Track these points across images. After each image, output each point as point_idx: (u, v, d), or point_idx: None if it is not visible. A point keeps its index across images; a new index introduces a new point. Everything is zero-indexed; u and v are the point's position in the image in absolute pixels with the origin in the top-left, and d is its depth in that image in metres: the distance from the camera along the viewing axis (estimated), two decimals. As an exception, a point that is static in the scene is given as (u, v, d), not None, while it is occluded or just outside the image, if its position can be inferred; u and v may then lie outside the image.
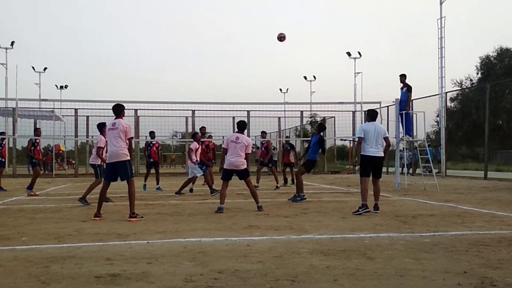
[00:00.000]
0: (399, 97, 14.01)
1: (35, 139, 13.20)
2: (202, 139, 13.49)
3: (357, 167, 13.33)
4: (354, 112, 27.32)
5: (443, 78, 21.54)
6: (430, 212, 8.18)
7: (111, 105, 8.10)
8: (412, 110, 15.00)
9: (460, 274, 3.97)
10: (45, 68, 38.59)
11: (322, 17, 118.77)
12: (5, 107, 26.21)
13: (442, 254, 4.77)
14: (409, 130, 14.00)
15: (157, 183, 14.18)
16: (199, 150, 12.80)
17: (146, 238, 5.72)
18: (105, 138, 9.44)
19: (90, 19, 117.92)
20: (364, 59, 70.60)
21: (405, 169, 21.41)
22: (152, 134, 15.52)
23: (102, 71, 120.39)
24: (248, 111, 25.85)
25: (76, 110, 26.04)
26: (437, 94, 22.04)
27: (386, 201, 10.12)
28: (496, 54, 45.98)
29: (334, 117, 28.95)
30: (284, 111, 29.71)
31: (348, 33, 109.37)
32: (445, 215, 7.85)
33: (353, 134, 25.98)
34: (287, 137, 26.83)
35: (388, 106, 23.45)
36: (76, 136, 26.15)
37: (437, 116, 28.87)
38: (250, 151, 9.03)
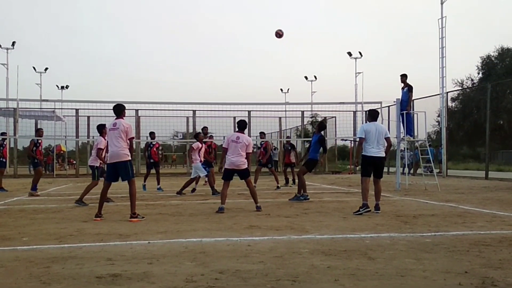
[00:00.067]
0: (400, 97, 14.00)
1: (37, 140, 13.21)
2: (204, 140, 13.47)
3: (358, 167, 13.32)
4: (355, 112, 27.34)
5: (444, 78, 21.54)
6: (431, 212, 8.18)
7: (112, 106, 8.10)
8: (413, 110, 15.00)
9: (461, 274, 3.97)
10: (46, 69, 38.67)
11: (323, 17, 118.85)
12: (6, 108, 26.24)
13: (443, 254, 4.77)
14: (410, 130, 13.99)
15: (158, 184, 14.18)
16: (203, 150, 12.78)
17: (147, 238, 5.72)
18: (105, 139, 9.47)
19: (91, 19, 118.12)
20: (365, 59, 70.72)
21: (406, 169, 21.42)
22: (152, 134, 15.53)
23: (103, 71, 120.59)
24: (249, 111, 25.87)
25: (77, 110, 26.07)
26: (438, 94, 22.03)
27: (387, 201, 10.12)
28: (497, 54, 45.94)
29: (335, 117, 28.99)
30: (285, 111, 29.77)
31: (349, 33, 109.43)
32: (446, 215, 7.84)
33: (354, 134, 25.99)
34: (288, 137, 26.87)
35: (389, 106, 23.42)
36: (77, 136, 26.18)
37: (438, 116, 28.88)
38: (251, 151, 9.03)
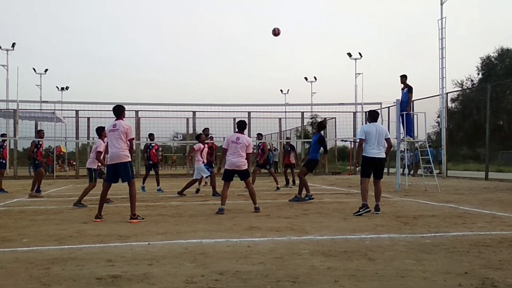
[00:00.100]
0: (399, 97, 14.01)
1: (38, 141, 13.21)
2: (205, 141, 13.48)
3: (358, 168, 13.29)
4: (355, 113, 27.34)
5: (444, 78, 21.55)
6: (431, 213, 8.18)
7: (112, 107, 8.10)
8: (413, 110, 15.02)
9: (461, 275, 3.97)
10: (46, 70, 38.68)
11: (323, 18, 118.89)
12: (6, 109, 26.26)
13: (443, 255, 4.77)
14: (410, 130, 14.00)
15: (158, 185, 14.19)
16: (205, 151, 12.78)
17: (147, 240, 5.73)
18: (104, 142, 9.49)
19: (91, 20, 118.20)
20: (365, 60, 70.73)
21: (406, 170, 21.42)
22: (151, 136, 15.52)
23: (103, 72, 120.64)
24: (249, 112, 25.87)
25: (77, 111, 26.07)
26: (438, 95, 22.04)
27: (387, 202, 10.12)
28: (497, 54, 45.95)
29: (335, 118, 28.99)
30: (285, 112, 29.78)
31: (349, 34, 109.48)
32: (446, 216, 7.84)
33: (354, 135, 26.01)
34: (287, 138, 26.87)
35: (389, 107, 23.44)
36: (77, 137, 26.18)
37: (438, 116, 28.90)
38: (251, 151, 9.03)
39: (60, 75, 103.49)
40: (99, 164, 10.19)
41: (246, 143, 8.80)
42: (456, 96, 43.49)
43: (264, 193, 12.88)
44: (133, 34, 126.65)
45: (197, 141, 13.04)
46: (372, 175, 8.43)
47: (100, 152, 9.90)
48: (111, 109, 8.04)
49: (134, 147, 15.66)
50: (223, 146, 9.21)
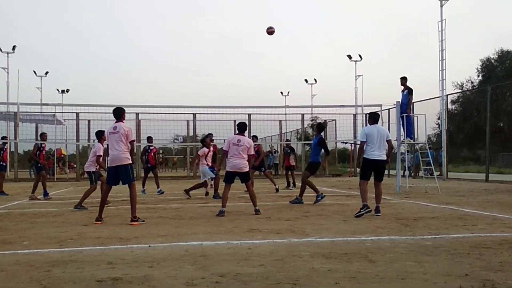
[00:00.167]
0: (400, 99, 14.01)
1: (41, 143, 13.22)
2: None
3: (358, 170, 13.33)
4: (355, 115, 27.39)
5: (444, 80, 21.55)
6: (431, 215, 8.18)
7: (112, 109, 8.12)
8: (413, 112, 15.02)
9: (461, 277, 3.97)
10: (47, 72, 38.65)
11: (323, 20, 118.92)
12: (7, 112, 26.28)
13: (444, 257, 4.77)
14: (410, 132, 13.99)
15: (158, 187, 14.21)
16: (210, 154, 12.82)
17: (148, 242, 5.73)
18: (103, 146, 9.50)
19: (91, 22, 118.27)
20: (365, 62, 70.76)
21: (407, 172, 21.42)
22: (149, 139, 15.53)
23: (103, 75, 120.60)
24: (249, 114, 25.89)
25: (77, 114, 26.11)
26: (438, 97, 22.04)
27: (388, 204, 10.12)
28: (497, 56, 45.96)
29: (335, 120, 29.01)
30: (285, 114, 29.80)
31: (349, 36, 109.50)
32: (446, 217, 7.84)
33: (355, 137, 26.05)
34: (287, 140, 26.89)
35: (389, 109, 23.50)
36: (77, 140, 26.20)
37: (438, 118, 28.91)
38: (252, 153, 9.04)
39: (60, 77, 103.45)
40: (97, 167, 10.23)
41: (247, 145, 8.81)
42: (456, 98, 43.53)
43: (265, 195, 12.88)
44: (133, 36, 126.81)
45: (201, 144, 13.07)
46: (372, 177, 8.43)
47: (100, 156, 9.92)
48: (111, 111, 8.05)
49: (135, 149, 15.68)
50: (223, 148, 9.20)
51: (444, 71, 21.45)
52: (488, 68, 45.91)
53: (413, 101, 14.82)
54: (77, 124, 26.15)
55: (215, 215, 8.38)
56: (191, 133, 27.44)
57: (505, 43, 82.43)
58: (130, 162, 7.71)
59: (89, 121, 26.85)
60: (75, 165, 30.62)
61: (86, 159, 10.91)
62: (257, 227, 6.89)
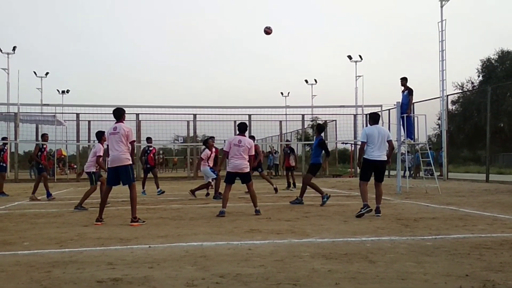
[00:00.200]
0: (400, 100, 14.01)
1: (42, 144, 13.22)
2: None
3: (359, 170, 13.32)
4: (355, 115, 27.40)
5: (444, 81, 21.55)
6: (431, 215, 8.18)
7: (112, 110, 8.12)
8: (413, 113, 15.01)
9: (462, 277, 3.97)
10: (47, 73, 38.68)
11: (323, 21, 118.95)
12: (7, 112, 26.30)
13: (444, 257, 4.77)
14: (410, 133, 13.99)
15: (157, 187, 14.23)
16: (212, 156, 12.84)
17: (148, 243, 5.73)
18: (103, 146, 9.50)
19: (92, 23, 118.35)
20: (365, 62, 70.75)
21: (407, 173, 21.42)
22: (149, 140, 15.54)
23: (103, 75, 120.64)
24: (250, 115, 25.91)
25: (77, 114, 26.14)
26: (439, 97, 22.05)
27: (388, 204, 10.12)
28: (497, 56, 45.99)
29: (336, 120, 29.02)
30: (286, 114, 29.82)
31: (349, 36, 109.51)
32: (446, 218, 7.84)
33: (355, 137, 26.05)
34: (287, 140, 26.89)
35: (389, 109, 23.51)
36: (77, 140, 26.23)
37: (439, 119, 28.89)
38: (253, 153, 9.03)
39: (61, 78, 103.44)
40: (97, 167, 10.24)
41: (248, 145, 8.80)
42: (456, 98, 43.56)
43: (265, 196, 12.88)
44: (133, 36, 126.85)
45: (201, 145, 13.08)
46: (373, 178, 8.43)
47: (100, 156, 9.92)
48: (112, 112, 8.05)
49: (135, 150, 15.68)
50: (224, 149, 9.19)
51: (444, 71, 21.47)
52: (488, 68, 45.93)
53: (413, 101, 14.82)
54: (77, 125, 26.18)
55: (216, 216, 8.38)
56: (191, 134, 27.45)
57: (505, 44, 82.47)
58: (131, 162, 7.71)
59: (89, 121, 26.89)
60: (75, 166, 30.65)
61: (86, 160, 10.91)
62: (258, 228, 6.89)
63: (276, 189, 14.27)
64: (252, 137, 16.80)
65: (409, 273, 4.15)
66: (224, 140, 24.43)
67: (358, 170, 11.77)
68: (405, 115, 13.76)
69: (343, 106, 27.14)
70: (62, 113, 26.97)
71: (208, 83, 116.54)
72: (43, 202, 11.87)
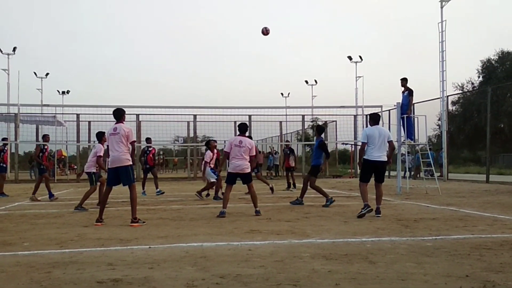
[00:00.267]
0: (400, 101, 14.02)
1: (44, 145, 13.22)
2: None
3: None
4: (355, 116, 27.40)
5: (445, 81, 21.55)
6: (432, 216, 8.17)
7: (112, 110, 8.12)
8: (413, 113, 15.02)
9: (462, 278, 3.97)
10: (47, 74, 38.71)
11: (324, 22, 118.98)
12: (7, 113, 26.30)
13: (444, 258, 4.77)
14: (410, 134, 14.00)
15: (156, 187, 14.24)
16: (214, 157, 12.85)
17: (148, 243, 5.73)
18: (104, 147, 9.50)
19: (92, 24, 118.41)
20: (365, 63, 70.79)
21: (407, 173, 21.42)
22: (148, 140, 15.57)
23: (103, 76, 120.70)
24: (250, 116, 25.90)
25: (78, 115, 26.15)
26: (439, 98, 22.05)
27: (388, 205, 10.11)
28: (497, 57, 46.00)
29: (336, 121, 29.03)
30: (286, 115, 29.83)
31: (349, 37, 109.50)
32: (447, 218, 7.84)
33: (355, 138, 26.05)
34: (286, 141, 26.88)
35: (389, 110, 23.51)
36: (78, 141, 26.24)
37: (439, 119, 28.90)
38: (254, 153, 9.02)
39: (61, 79, 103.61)
40: (97, 167, 10.24)
41: (249, 146, 8.80)
42: (456, 99, 43.58)
43: (265, 197, 12.88)
44: (133, 37, 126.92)
45: (205, 146, 13.12)
46: (373, 179, 8.42)
47: (100, 157, 9.93)
48: (112, 112, 8.06)
49: (135, 151, 15.71)
50: (225, 150, 9.18)
51: (444, 72, 21.47)
52: (488, 69, 45.94)
53: (413, 102, 14.83)
54: (78, 125, 26.19)
55: (216, 216, 8.38)
56: (191, 134, 27.45)
57: (505, 44, 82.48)
58: (131, 163, 7.71)
59: (89, 122, 26.90)
60: (75, 166, 30.65)
61: (87, 160, 10.91)
62: (258, 228, 6.89)
63: (272, 189, 14.21)
64: (249, 138, 16.80)
65: (409, 273, 4.15)
66: (225, 141, 24.52)
67: (359, 170, 11.76)
68: (405, 115, 13.77)
69: (343, 107, 27.14)
70: (62, 113, 26.99)
71: (208, 84, 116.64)
72: (43, 203, 11.87)
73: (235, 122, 25.57)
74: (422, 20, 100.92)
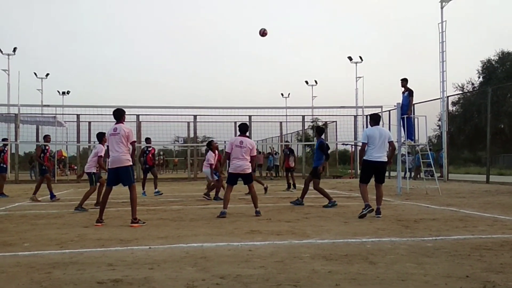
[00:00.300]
0: (400, 101, 14.02)
1: (45, 146, 13.22)
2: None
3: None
4: (355, 117, 27.39)
5: (445, 82, 21.55)
6: (432, 217, 8.17)
7: (112, 111, 8.12)
8: (413, 114, 15.02)
9: (462, 279, 3.97)
10: (47, 74, 38.69)
11: (324, 22, 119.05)
12: (8, 113, 26.28)
13: (444, 259, 4.76)
14: (410, 134, 14.00)
15: (155, 187, 14.24)
16: (216, 158, 12.86)
17: (148, 244, 5.73)
18: (104, 147, 9.51)
19: (92, 24, 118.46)
20: (365, 63, 70.87)
21: (408, 173, 21.42)
22: (148, 140, 15.58)
23: (104, 76, 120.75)
24: (250, 116, 25.89)
25: (78, 115, 26.14)
26: (439, 98, 22.05)
27: (388, 205, 10.11)
28: (497, 57, 46.02)
29: (336, 121, 29.02)
30: (286, 115, 29.80)
31: (350, 38, 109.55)
32: (447, 219, 7.84)
33: (355, 138, 26.05)
34: (286, 141, 26.86)
35: (389, 111, 23.51)
36: (78, 141, 26.25)
37: (439, 120, 28.91)
38: (255, 154, 9.02)
39: (61, 79, 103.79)
40: (98, 167, 10.24)
41: (250, 146, 8.80)
42: (457, 99, 43.60)
43: (265, 197, 12.88)
44: (134, 38, 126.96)
45: (206, 147, 13.17)
46: (373, 179, 8.42)
47: (101, 157, 9.93)
48: (112, 112, 8.06)
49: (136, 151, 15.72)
50: (226, 150, 9.18)
51: (444, 72, 21.47)
52: (488, 69, 45.96)
53: (413, 102, 14.83)
54: (78, 126, 26.19)
55: (216, 217, 8.38)
56: (191, 135, 27.45)
57: (505, 45, 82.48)
58: (131, 163, 7.71)
59: (89, 122, 26.89)
60: (75, 167, 30.65)
61: (87, 161, 10.91)
62: (258, 229, 6.89)
63: (266, 189, 14.24)
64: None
65: (410, 274, 4.15)
66: (225, 141, 24.52)
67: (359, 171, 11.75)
68: (405, 116, 13.77)
69: (343, 107, 27.12)
70: (63, 114, 26.97)
71: (209, 84, 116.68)
72: (43, 203, 11.86)
73: (235, 122, 25.57)
74: (422, 21, 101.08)
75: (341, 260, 4.74)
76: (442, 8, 21.79)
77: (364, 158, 8.39)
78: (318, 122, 30.60)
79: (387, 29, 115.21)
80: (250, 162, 8.82)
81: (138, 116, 25.67)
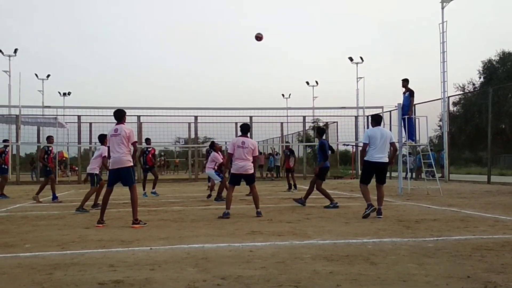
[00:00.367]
0: (401, 101, 14.01)
1: (48, 147, 13.22)
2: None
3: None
4: (356, 117, 27.37)
5: (446, 82, 21.54)
6: (433, 217, 8.17)
7: (113, 111, 8.12)
8: (414, 114, 15.02)
9: (463, 279, 3.96)
10: (48, 75, 38.74)
11: (324, 22, 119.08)
12: (9, 114, 26.30)
13: (446, 259, 4.76)
14: (411, 134, 14.00)
15: (153, 187, 14.26)
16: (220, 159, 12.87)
17: (149, 245, 5.73)
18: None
19: (92, 25, 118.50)
20: (366, 64, 70.86)
21: (409, 174, 21.40)
22: (147, 141, 15.59)
23: (105, 77, 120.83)
24: (251, 117, 25.87)
25: (79, 117, 26.12)
26: (440, 99, 22.05)
27: (389, 206, 10.10)
28: (498, 58, 45.97)
29: (337, 122, 28.99)
30: (287, 116, 29.77)
31: (350, 38, 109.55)
32: (448, 219, 7.83)
33: (356, 139, 26.03)
34: (286, 142, 26.82)
35: (390, 111, 23.47)
36: (79, 142, 26.22)
37: (440, 120, 28.85)
38: (257, 154, 9.03)
39: (62, 80, 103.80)
40: (100, 168, 10.25)
41: (252, 146, 8.80)
42: (458, 99, 43.55)
43: (266, 198, 12.88)
44: (134, 38, 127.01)
45: (209, 148, 13.20)
46: (374, 180, 8.41)
47: (105, 157, 9.93)
48: (113, 113, 8.06)
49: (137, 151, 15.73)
50: (228, 151, 9.19)
51: (445, 73, 21.46)
52: (489, 69, 45.92)
53: (414, 103, 14.83)
54: (79, 127, 26.16)
55: (219, 217, 8.39)
56: (192, 136, 27.44)
57: (506, 45, 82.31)
58: (132, 164, 7.71)
59: (90, 123, 26.86)
60: (76, 168, 30.66)
61: (88, 162, 10.91)
62: (259, 230, 6.89)
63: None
64: None
65: (411, 274, 4.14)
66: (226, 142, 24.52)
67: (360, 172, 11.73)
68: (406, 116, 13.76)
69: (344, 108, 27.03)
70: (64, 115, 26.94)
71: (209, 85, 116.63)
72: (44, 204, 11.87)
73: (236, 123, 25.56)
74: (423, 21, 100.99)
75: (342, 260, 4.74)
76: (442, 8, 21.79)
77: (365, 158, 8.38)
78: (319, 123, 30.56)
79: (388, 29, 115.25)
80: (252, 162, 8.82)
81: (139, 117, 25.66)
